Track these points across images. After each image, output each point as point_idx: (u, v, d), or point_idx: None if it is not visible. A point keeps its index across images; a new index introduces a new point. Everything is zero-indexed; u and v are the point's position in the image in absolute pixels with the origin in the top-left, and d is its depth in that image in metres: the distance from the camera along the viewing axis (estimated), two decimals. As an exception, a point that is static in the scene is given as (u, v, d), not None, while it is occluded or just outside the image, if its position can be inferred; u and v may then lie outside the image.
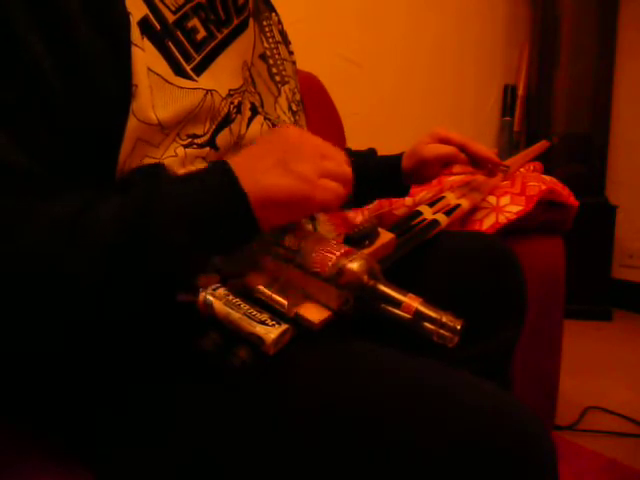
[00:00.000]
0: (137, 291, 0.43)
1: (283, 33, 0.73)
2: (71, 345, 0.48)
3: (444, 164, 0.83)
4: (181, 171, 0.50)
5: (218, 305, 0.45)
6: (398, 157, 0.86)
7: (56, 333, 0.45)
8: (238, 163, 0.45)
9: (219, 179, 0.44)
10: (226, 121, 0.53)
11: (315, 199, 0.46)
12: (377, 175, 0.86)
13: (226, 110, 0.53)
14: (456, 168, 0.88)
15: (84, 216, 0.41)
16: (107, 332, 0.47)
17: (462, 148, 0.82)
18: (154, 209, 0.42)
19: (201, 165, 0.51)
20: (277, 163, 0.45)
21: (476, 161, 0.84)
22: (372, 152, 0.91)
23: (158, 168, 0.46)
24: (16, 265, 0.40)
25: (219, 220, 0.44)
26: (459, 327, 0.44)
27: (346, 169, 0.50)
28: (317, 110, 1.27)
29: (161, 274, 0.43)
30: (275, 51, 0.67)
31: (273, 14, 0.71)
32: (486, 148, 0.84)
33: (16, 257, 0.39)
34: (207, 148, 0.52)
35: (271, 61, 0.65)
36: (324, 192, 0.47)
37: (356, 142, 1.23)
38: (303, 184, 0.45)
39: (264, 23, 0.66)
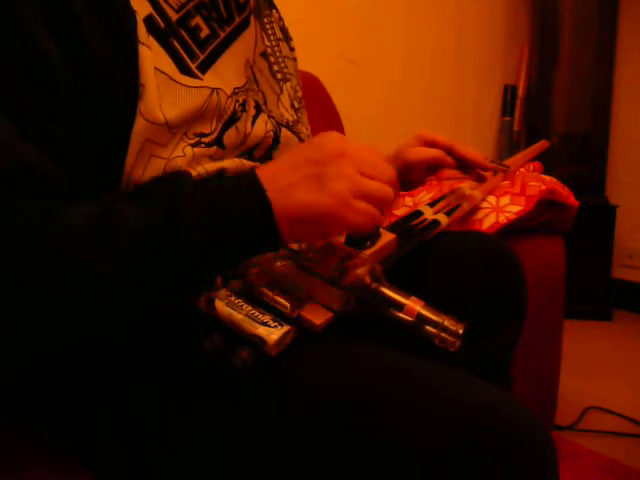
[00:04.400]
0: (158, 294, 0.43)
1: (284, 30, 0.73)
2: (88, 343, 0.48)
3: (430, 168, 0.77)
4: (190, 170, 0.49)
5: (220, 306, 0.45)
6: None
7: (82, 332, 0.44)
8: (269, 172, 0.44)
9: (246, 192, 0.43)
10: (232, 119, 0.53)
11: (346, 220, 0.44)
12: None
13: (232, 108, 0.53)
14: (444, 174, 0.79)
15: (109, 219, 0.41)
16: (117, 336, 0.47)
17: (449, 151, 0.75)
18: (177, 217, 0.41)
19: (208, 164, 0.51)
20: (312, 176, 0.44)
21: (463, 165, 0.77)
22: None
23: (179, 176, 0.46)
24: (46, 267, 0.40)
25: (242, 233, 0.43)
26: (461, 331, 0.45)
27: (386, 191, 0.46)
28: (317, 110, 1.27)
29: (180, 282, 0.43)
30: (276, 48, 0.67)
31: (274, 11, 0.71)
32: (474, 151, 0.77)
33: (46, 258, 0.40)
34: (214, 147, 0.52)
35: (272, 59, 0.65)
36: (356, 214, 0.44)
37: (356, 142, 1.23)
38: (336, 203, 0.43)
39: (265, 20, 0.66)
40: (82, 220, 0.41)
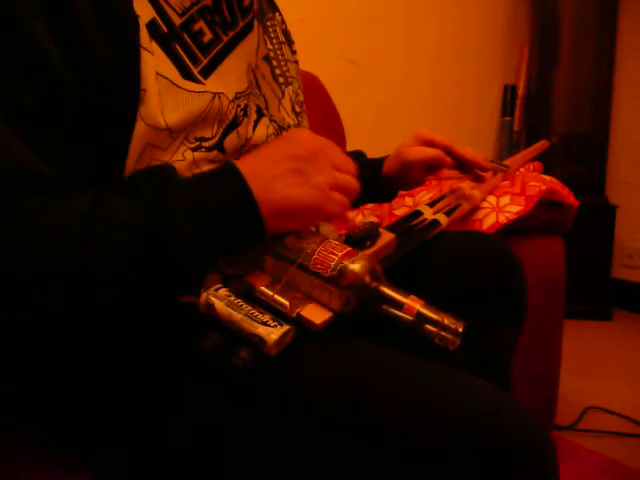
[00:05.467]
0: (150, 288, 0.44)
1: (286, 33, 0.72)
2: (84, 343, 0.49)
3: (429, 167, 0.78)
4: (188, 175, 0.50)
5: (220, 306, 0.45)
6: (380, 161, 0.83)
7: (73, 328, 0.45)
8: (250, 166, 0.46)
9: (231, 188, 0.45)
10: (234, 124, 0.53)
11: (326, 210, 0.48)
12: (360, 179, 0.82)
13: (233, 113, 0.53)
14: (443, 173, 0.81)
15: (100, 213, 0.41)
16: (113, 332, 0.47)
17: (447, 151, 0.77)
18: (166, 210, 0.42)
19: (207, 167, 0.51)
20: (294, 171, 0.47)
21: (462, 164, 0.79)
22: (358, 155, 0.88)
23: (166, 170, 0.46)
24: (36, 261, 0.40)
25: (229, 227, 0.45)
26: (461, 330, 0.45)
27: (353, 182, 0.52)
28: (317, 110, 1.27)
29: (172, 274, 0.43)
30: (279, 52, 0.67)
31: (277, 14, 0.71)
32: (473, 151, 0.79)
33: (36, 253, 0.40)
34: (215, 151, 0.52)
35: (275, 62, 0.65)
36: (333, 204, 0.49)
37: (356, 142, 1.23)
38: (317, 195, 0.47)
39: (268, 24, 0.66)
40: (74, 215, 0.41)
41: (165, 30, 0.48)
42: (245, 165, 0.46)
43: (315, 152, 0.49)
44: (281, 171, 0.46)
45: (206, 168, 0.51)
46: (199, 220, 0.43)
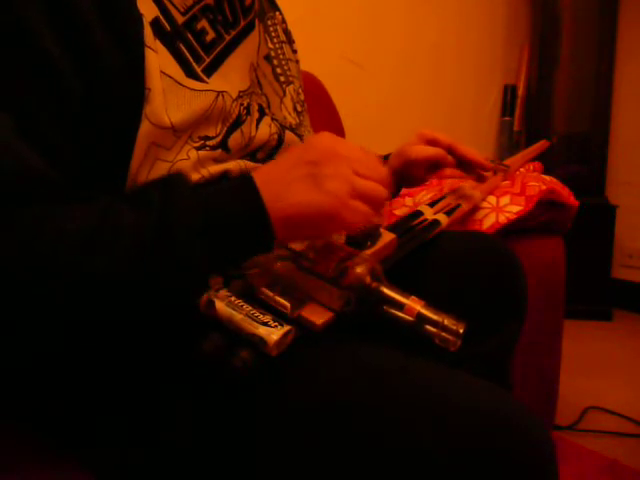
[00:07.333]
0: (155, 296, 0.43)
1: (287, 32, 0.73)
2: (84, 346, 0.48)
3: (431, 166, 0.78)
4: (193, 174, 0.49)
5: (220, 306, 0.45)
6: (385, 157, 0.83)
7: (75, 333, 0.44)
8: (264, 176, 0.44)
9: (241, 197, 0.43)
10: (237, 123, 0.53)
11: (343, 219, 0.44)
12: None
13: (237, 112, 0.53)
14: (445, 173, 0.80)
15: (106, 222, 0.41)
16: (115, 333, 0.47)
17: (449, 150, 0.77)
18: (173, 220, 0.41)
19: (212, 167, 0.51)
20: (307, 177, 0.44)
21: (464, 164, 0.79)
22: None
23: (176, 179, 0.46)
24: (38, 266, 0.39)
25: (237, 237, 0.43)
26: (461, 330, 0.45)
27: (380, 190, 0.47)
28: (317, 110, 1.27)
29: (176, 285, 0.43)
30: (279, 51, 0.67)
31: (277, 13, 0.71)
32: (474, 151, 0.79)
33: (39, 258, 0.39)
34: (219, 150, 0.52)
35: (275, 62, 0.65)
36: (352, 213, 0.44)
37: (356, 142, 1.22)
38: (332, 203, 0.43)
39: (268, 23, 0.66)
40: (79, 223, 0.40)
41: (168, 29, 0.48)
42: (260, 174, 0.44)
43: (331, 156, 0.45)
44: (295, 177, 0.44)
45: (211, 167, 0.51)
46: (206, 230, 0.42)
